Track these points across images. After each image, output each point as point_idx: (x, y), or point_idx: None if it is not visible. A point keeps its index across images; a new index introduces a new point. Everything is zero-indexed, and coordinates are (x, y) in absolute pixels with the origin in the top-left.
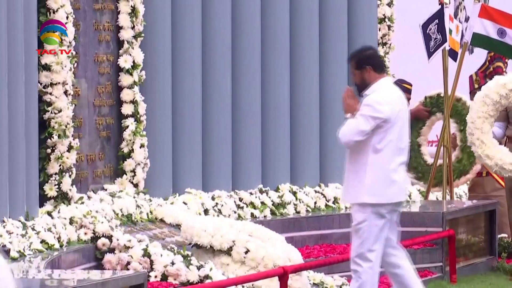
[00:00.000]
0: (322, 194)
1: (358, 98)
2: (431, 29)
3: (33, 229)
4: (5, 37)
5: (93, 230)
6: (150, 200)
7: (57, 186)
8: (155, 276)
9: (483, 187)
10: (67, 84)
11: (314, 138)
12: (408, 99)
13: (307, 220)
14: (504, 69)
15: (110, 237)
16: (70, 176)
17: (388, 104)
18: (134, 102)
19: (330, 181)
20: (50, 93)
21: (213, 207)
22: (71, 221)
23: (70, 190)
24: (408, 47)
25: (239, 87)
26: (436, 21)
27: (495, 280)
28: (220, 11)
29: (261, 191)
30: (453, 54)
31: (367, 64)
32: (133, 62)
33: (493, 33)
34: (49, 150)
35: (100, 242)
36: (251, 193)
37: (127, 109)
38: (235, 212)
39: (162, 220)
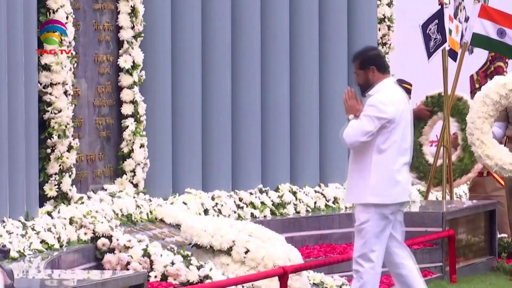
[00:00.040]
0: (322, 194)
1: (360, 99)
2: (431, 29)
3: (33, 229)
4: (5, 37)
5: (93, 230)
6: (150, 200)
7: (57, 186)
8: (155, 276)
9: (484, 187)
10: (67, 84)
11: (314, 138)
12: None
13: (307, 220)
14: (505, 69)
15: (110, 237)
16: (70, 176)
17: (392, 104)
18: (134, 102)
19: (330, 181)
20: (50, 93)
21: (213, 207)
22: (71, 221)
23: (70, 190)
24: (408, 47)
25: (239, 87)
26: (436, 21)
27: (495, 280)
28: (220, 11)
29: (261, 191)
30: (453, 54)
31: (371, 64)
32: (133, 62)
33: (493, 33)
34: (49, 150)
35: (100, 242)
36: (251, 193)
37: (127, 109)
38: (235, 212)
39: (162, 220)
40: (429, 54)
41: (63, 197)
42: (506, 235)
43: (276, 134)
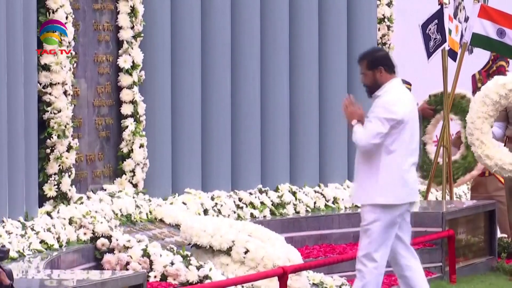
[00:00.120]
0: (321, 194)
1: (358, 104)
2: (430, 29)
3: (32, 229)
4: (4, 37)
5: (93, 230)
6: (150, 200)
7: (56, 186)
8: (155, 276)
9: (486, 186)
10: (66, 84)
11: (314, 138)
12: None
13: (306, 220)
14: (506, 68)
15: (109, 237)
16: (69, 176)
17: (402, 105)
18: (133, 102)
19: (330, 181)
20: (50, 93)
21: (212, 207)
22: (71, 221)
23: (69, 190)
24: (407, 47)
25: (238, 87)
26: (436, 21)
27: (495, 280)
28: (220, 11)
29: (260, 191)
30: (452, 54)
31: (380, 64)
32: (133, 62)
33: (492, 33)
34: (48, 150)
35: (99, 242)
36: (250, 193)
37: (126, 109)
38: (234, 212)
39: (161, 220)
40: (429, 54)
41: (62, 197)
42: (505, 235)
43: (275, 134)
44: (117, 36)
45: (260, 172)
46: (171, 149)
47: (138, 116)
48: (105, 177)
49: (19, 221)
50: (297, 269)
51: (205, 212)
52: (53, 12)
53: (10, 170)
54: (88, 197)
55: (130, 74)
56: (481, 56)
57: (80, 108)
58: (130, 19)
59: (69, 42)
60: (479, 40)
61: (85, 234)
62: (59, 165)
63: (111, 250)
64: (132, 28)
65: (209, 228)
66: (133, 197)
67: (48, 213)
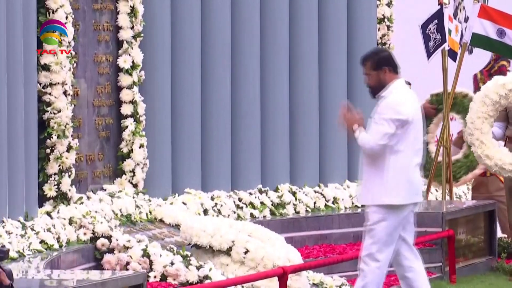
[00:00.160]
0: (321, 194)
1: (356, 110)
2: (430, 29)
3: (32, 229)
4: (4, 37)
5: (93, 230)
6: (150, 200)
7: (56, 186)
8: (155, 276)
9: (487, 186)
10: (66, 84)
11: (314, 138)
12: None
13: (306, 220)
14: (507, 67)
15: (109, 237)
16: (69, 176)
17: (408, 105)
18: (133, 102)
19: (330, 181)
20: (50, 93)
21: (212, 207)
22: (71, 221)
23: (69, 190)
24: (407, 47)
25: (238, 87)
26: (436, 21)
27: (495, 280)
28: (220, 10)
29: (260, 191)
30: (452, 54)
31: (385, 65)
32: (133, 62)
33: (492, 33)
34: (48, 150)
35: (99, 242)
36: (250, 193)
37: (126, 109)
38: (234, 212)
39: (161, 220)
40: (429, 54)
41: (62, 197)
42: (505, 235)
43: (275, 134)
44: (117, 36)
45: (260, 172)
46: (171, 149)
47: (138, 116)
48: (105, 177)
49: (19, 221)
50: (297, 269)
51: (205, 212)
52: (53, 12)
53: (10, 170)
54: (88, 197)
55: (130, 74)
56: (481, 56)
57: (80, 108)
58: (130, 19)
59: (69, 42)
60: (479, 40)
61: (85, 234)
62: (59, 165)
63: (111, 250)
64: (132, 28)
65: (209, 228)
66: (133, 197)
67: (48, 213)
